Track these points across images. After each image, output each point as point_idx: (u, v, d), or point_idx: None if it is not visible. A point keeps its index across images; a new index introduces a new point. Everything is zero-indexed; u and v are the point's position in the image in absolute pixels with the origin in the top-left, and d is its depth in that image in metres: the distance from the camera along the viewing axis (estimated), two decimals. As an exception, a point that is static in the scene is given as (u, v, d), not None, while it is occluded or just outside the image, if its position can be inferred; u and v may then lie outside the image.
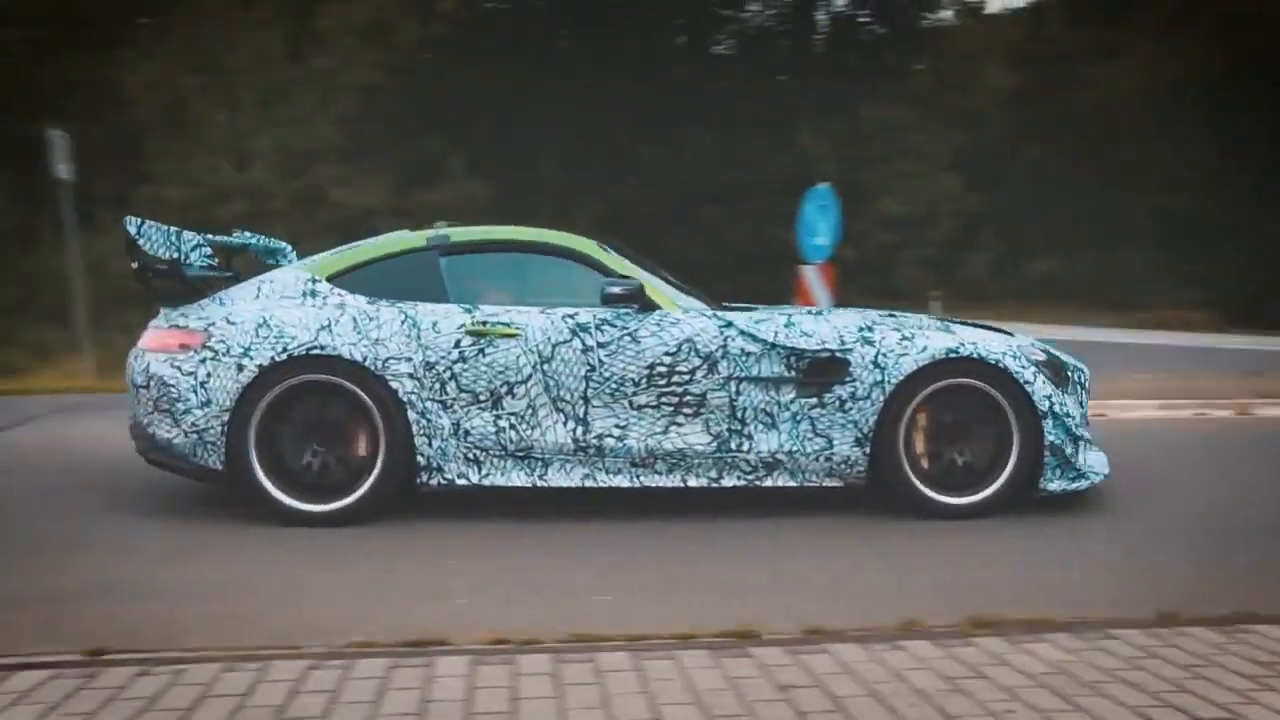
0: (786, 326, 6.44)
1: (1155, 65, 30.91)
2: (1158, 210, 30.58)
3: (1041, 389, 6.37)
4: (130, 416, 6.47)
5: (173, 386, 6.35)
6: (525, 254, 6.75)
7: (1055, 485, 6.46)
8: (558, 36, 22.03)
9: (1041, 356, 6.44)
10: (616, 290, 6.36)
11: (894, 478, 6.34)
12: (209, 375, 6.33)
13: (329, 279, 6.52)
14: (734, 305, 6.97)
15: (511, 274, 6.77)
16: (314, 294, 6.54)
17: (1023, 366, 6.39)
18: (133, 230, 6.54)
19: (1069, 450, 6.43)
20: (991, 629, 4.14)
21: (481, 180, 21.49)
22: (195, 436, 6.29)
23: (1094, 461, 6.51)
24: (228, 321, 6.37)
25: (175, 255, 6.65)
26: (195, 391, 6.33)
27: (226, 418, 6.25)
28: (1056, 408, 6.39)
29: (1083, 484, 6.44)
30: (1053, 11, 35.15)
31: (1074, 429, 6.47)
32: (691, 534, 5.65)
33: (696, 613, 4.33)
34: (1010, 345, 6.45)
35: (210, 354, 6.35)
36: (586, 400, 6.37)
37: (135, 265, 6.50)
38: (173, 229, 6.78)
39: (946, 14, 31.68)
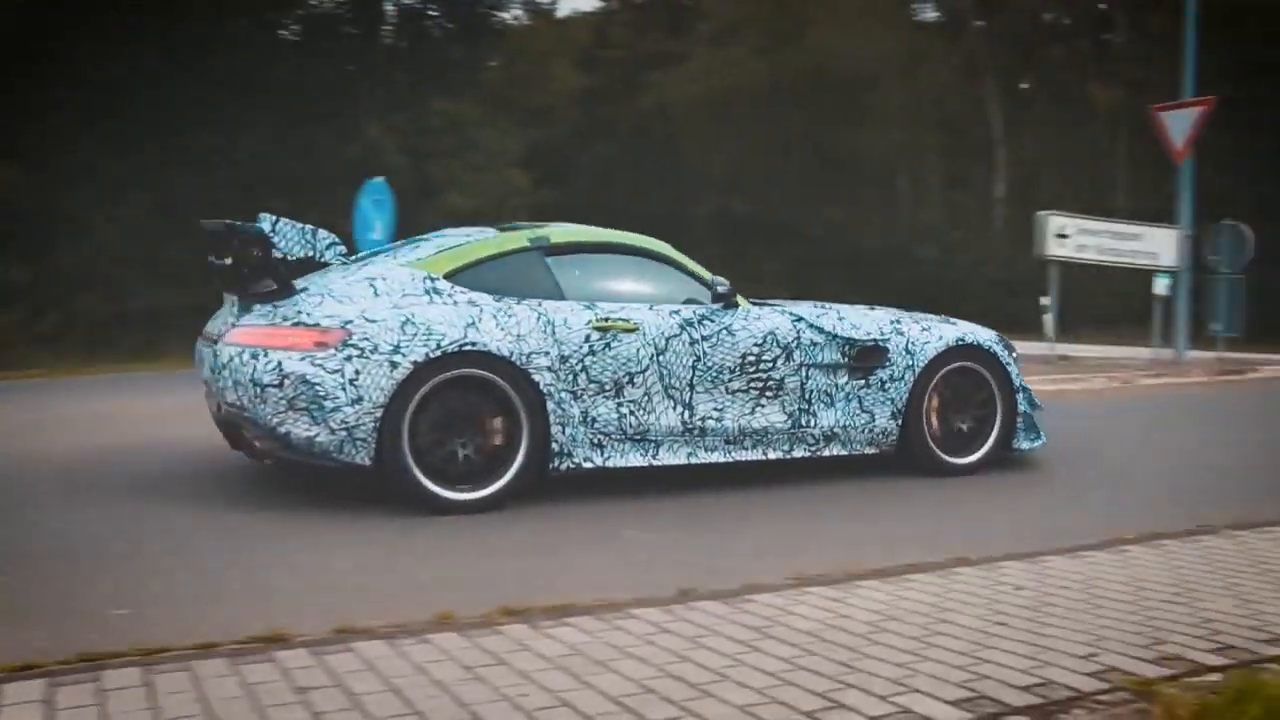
0: (840, 320, 7.68)
1: (710, 75, 32.18)
2: (718, 209, 32.12)
3: (1014, 368, 8.01)
4: (225, 412, 6.57)
5: (317, 385, 6.45)
6: (617, 255, 7.46)
7: (1025, 445, 8.14)
8: (107, 8, 20.73)
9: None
10: (723, 290, 7.33)
11: (918, 444, 7.76)
12: (357, 373, 6.48)
13: (444, 277, 6.85)
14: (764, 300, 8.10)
15: (607, 273, 7.42)
16: (438, 292, 6.85)
17: (1003, 350, 8.03)
18: (267, 227, 6.96)
19: (1033, 416, 8.17)
20: (520, 616, 4.26)
21: (7, 163, 20.13)
22: (344, 433, 6.43)
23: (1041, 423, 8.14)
24: (366, 319, 6.55)
25: (310, 253, 7.17)
26: (344, 389, 6.45)
27: (380, 414, 6.44)
28: (1023, 382, 8.11)
29: (1039, 442, 8.15)
30: (619, 17, 35.89)
31: (1032, 399, 8.21)
32: (218, 541, 5.69)
33: (230, 621, 4.28)
34: (991, 334, 8.08)
35: (356, 351, 6.49)
36: (692, 387, 7.22)
37: (223, 260, 6.71)
38: (308, 227, 7.25)
39: (517, 13, 32.47)
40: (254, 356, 6.47)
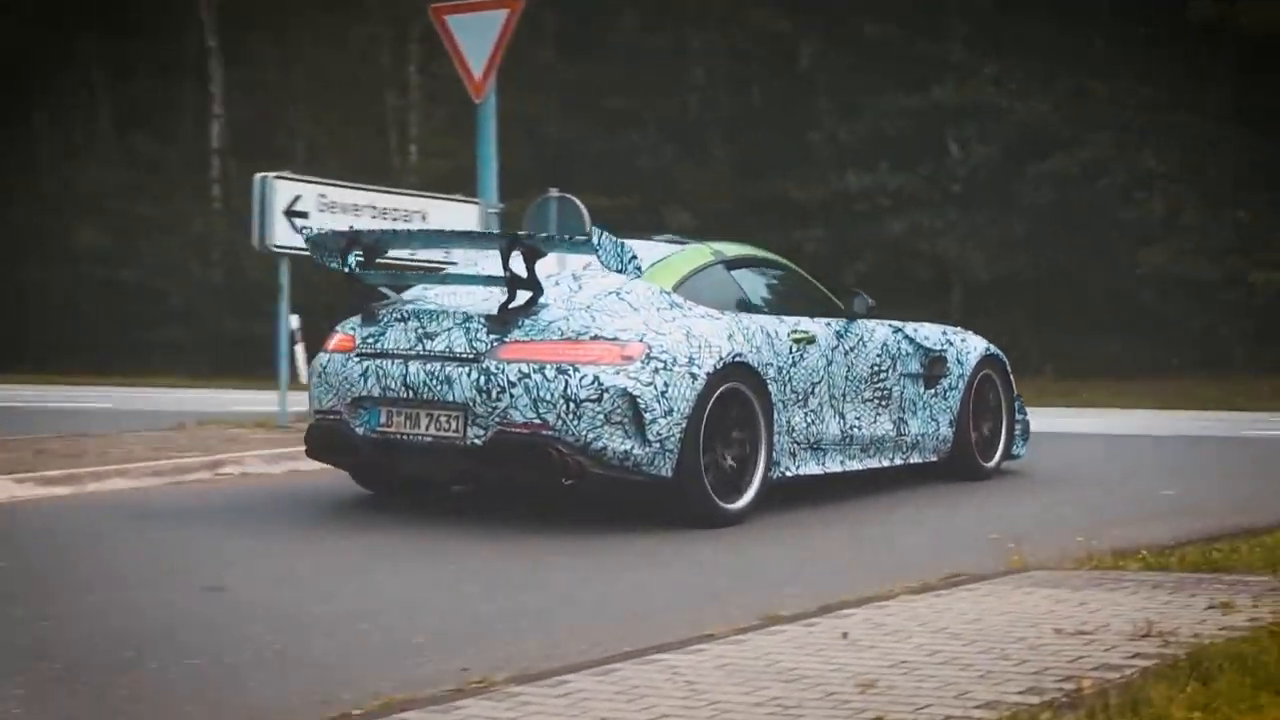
0: (915, 330, 8.44)
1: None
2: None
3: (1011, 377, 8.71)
4: (498, 435, 6.88)
5: (638, 398, 6.81)
6: (764, 268, 8.28)
7: (1020, 451, 9.17)
8: None
9: None
10: (871, 304, 8.13)
11: (965, 450, 8.64)
12: (667, 385, 6.91)
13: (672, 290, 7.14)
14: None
15: (765, 286, 8.22)
16: (677, 305, 7.33)
17: (1005, 360, 8.74)
18: (597, 239, 7.37)
19: (1026, 423, 9.15)
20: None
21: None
22: (658, 446, 6.83)
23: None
24: (655, 332, 6.97)
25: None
26: (658, 401, 6.85)
27: (685, 425, 6.88)
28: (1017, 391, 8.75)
29: (1024, 450, 9.25)
30: None
31: (1022, 405, 9.09)
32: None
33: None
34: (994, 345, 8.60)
35: (660, 364, 6.92)
36: (845, 397, 7.84)
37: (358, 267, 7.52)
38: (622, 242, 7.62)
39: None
40: (561, 372, 6.78)
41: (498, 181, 11.46)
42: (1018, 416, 9.06)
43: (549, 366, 6.77)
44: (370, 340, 7.31)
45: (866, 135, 26.49)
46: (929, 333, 8.62)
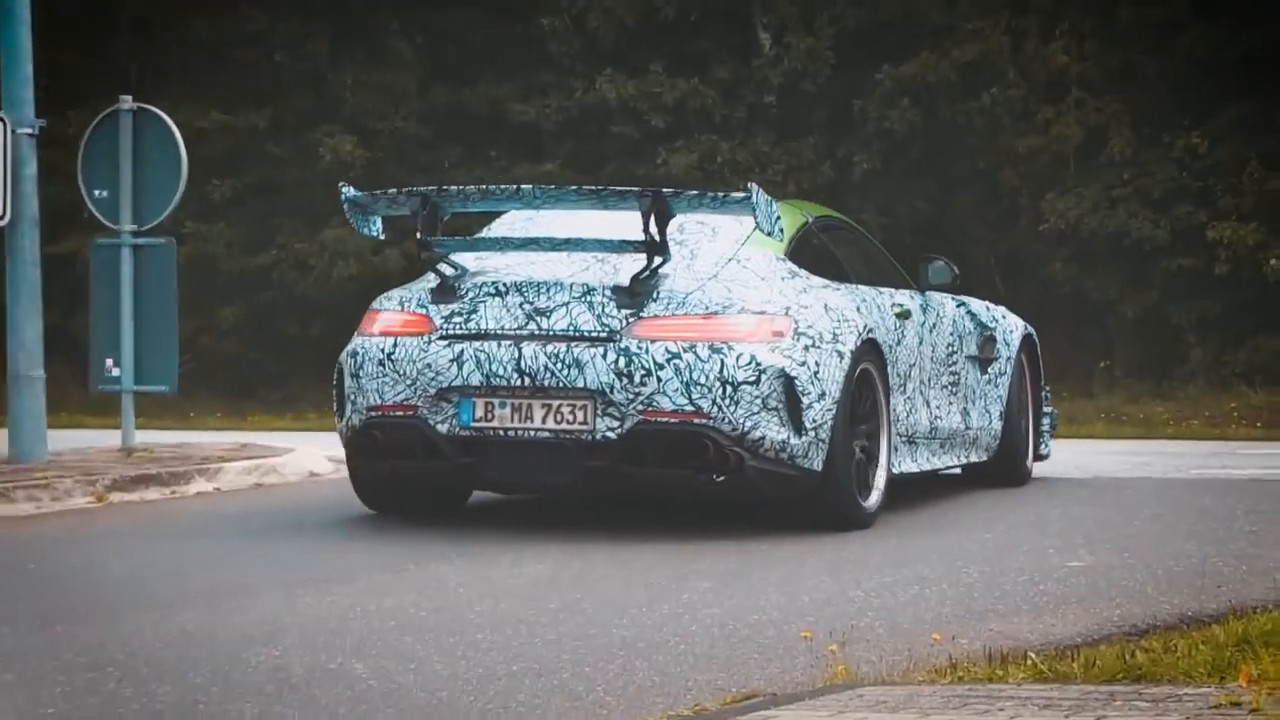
0: (972, 305, 8.86)
1: None
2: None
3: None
4: (642, 424, 6.90)
5: (795, 378, 6.85)
6: (842, 231, 8.55)
7: (1048, 450, 9.58)
8: None
9: None
10: (952, 272, 8.61)
11: (1014, 448, 8.76)
12: (818, 364, 6.97)
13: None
14: None
15: (850, 253, 8.33)
16: (795, 274, 7.45)
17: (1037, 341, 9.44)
18: (755, 197, 7.23)
19: (1055, 416, 9.88)
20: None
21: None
22: (812, 434, 6.90)
23: None
24: (799, 305, 7.11)
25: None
26: (812, 383, 6.90)
27: (835, 410, 6.99)
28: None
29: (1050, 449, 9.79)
30: None
31: (1048, 396, 9.88)
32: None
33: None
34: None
35: (809, 341, 6.98)
36: (930, 382, 8.05)
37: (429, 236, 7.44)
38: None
39: None
40: (716, 351, 6.83)
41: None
42: (1044, 409, 9.21)
43: (701, 345, 6.84)
44: (458, 319, 7.14)
45: (630, 21, 21.61)
46: (977, 307, 8.80)
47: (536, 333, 6.96)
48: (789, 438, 6.83)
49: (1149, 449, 14.01)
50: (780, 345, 6.90)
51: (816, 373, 6.91)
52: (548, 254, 7.28)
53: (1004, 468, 8.76)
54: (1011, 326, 9.04)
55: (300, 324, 21.71)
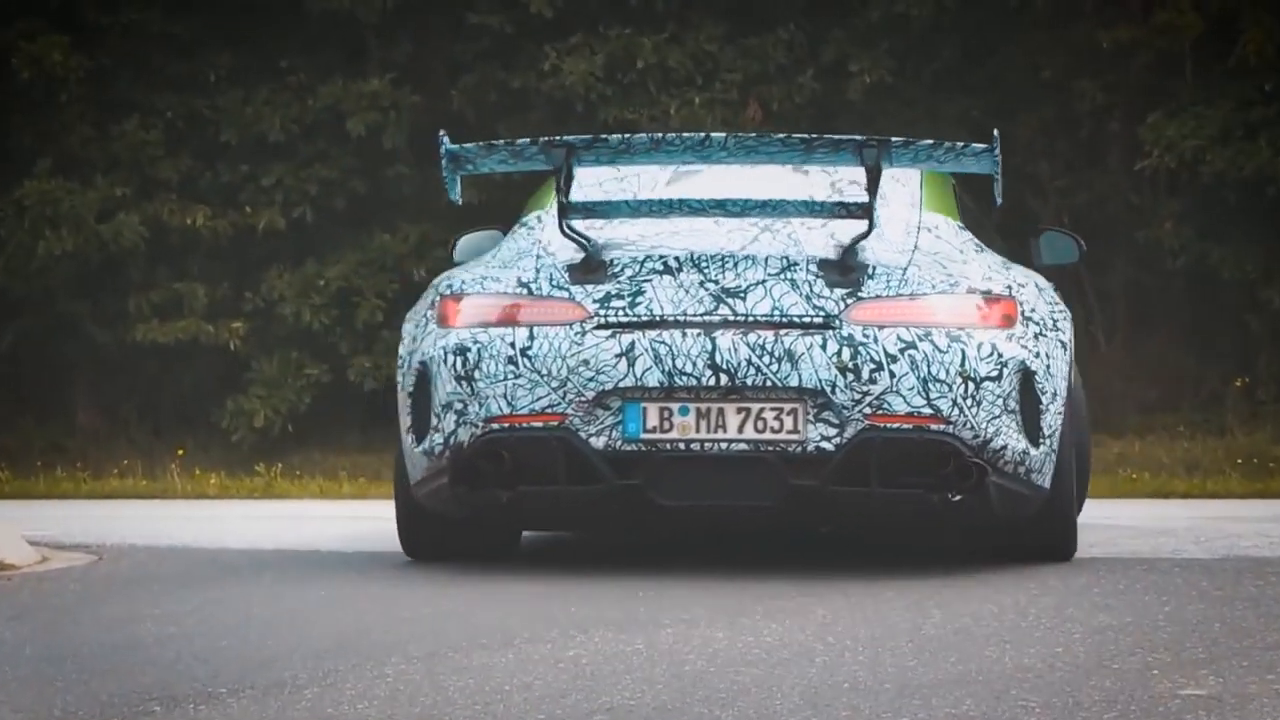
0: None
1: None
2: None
3: None
4: (865, 434, 7.24)
5: (1035, 374, 7.36)
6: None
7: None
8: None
9: None
10: (1079, 248, 9.14)
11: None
12: (1049, 358, 7.49)
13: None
14: None
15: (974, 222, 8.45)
16: (982, 248, 7.93)
17: None
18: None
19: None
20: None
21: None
22: (1047, 445, 7.45)
23: None
24: (1017, 283, 7.75)
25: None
26: (1047, 380, 7.45)
27: (1063, 415, 7.62)
28: None
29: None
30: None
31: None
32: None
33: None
34: None
35: (1037, 328, 7.53)
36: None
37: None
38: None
39: None
40: (955, 340, 7.27)
41: None
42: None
43: (937, 332, 7.22)
44: (618, 303, 7.47)
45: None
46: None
47: (731, 319, 7.26)
48: (1027, 448, 7.32)
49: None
50: (1013, 333, 7.35)
51: (1049, 367, 7.44)
52: (689, 221, 7.82)
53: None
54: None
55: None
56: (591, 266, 7.43)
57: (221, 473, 17.84)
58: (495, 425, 7.34)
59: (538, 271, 7.60)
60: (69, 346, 20.55)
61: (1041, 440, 7.20)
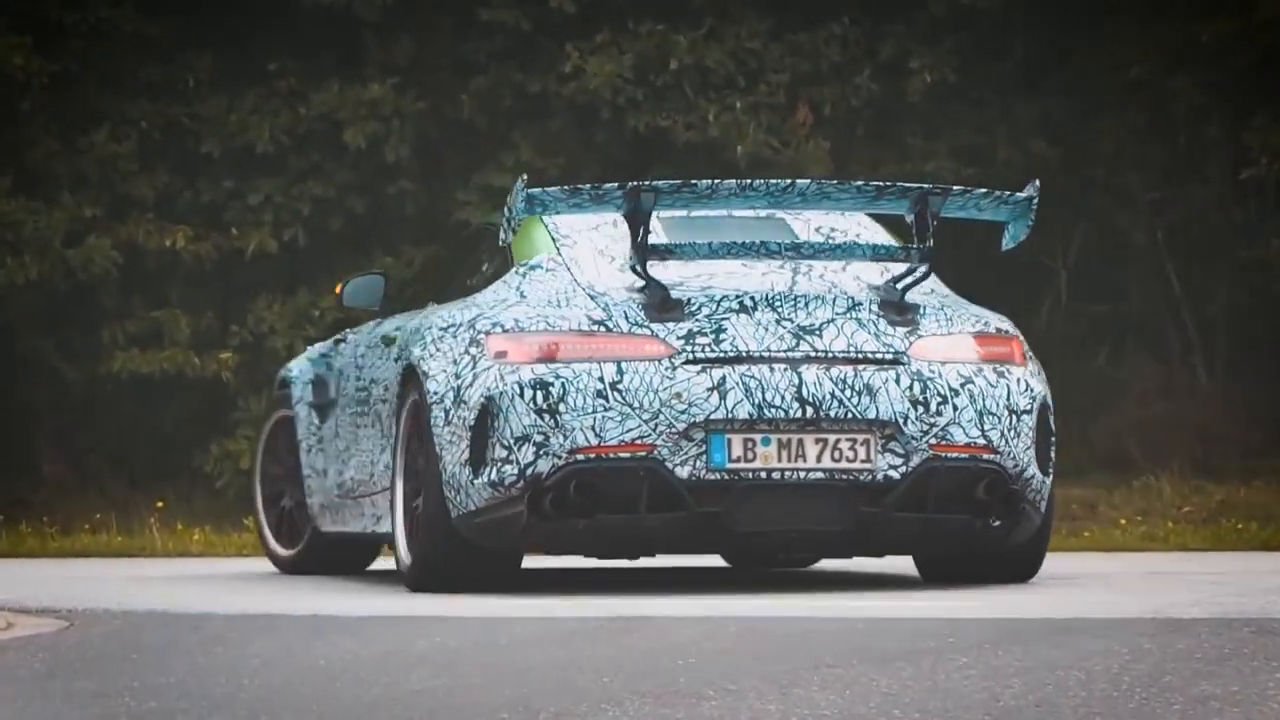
0: None
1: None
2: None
3: None
4: (930, 464, 8.36)
5: (1050, 410, 8.63)
6: None
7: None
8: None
9: None
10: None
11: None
12: (1049, 394, 8.77)
13: None
14: None
15: None
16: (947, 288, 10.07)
17: None
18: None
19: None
20: None
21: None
22: (1051, 474, 8.70)
23: None
24: (1009, 324, 9.33)
25: None
26: (1054, 415, 8.82)
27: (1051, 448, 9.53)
28: None
29: None
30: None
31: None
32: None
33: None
34: None
35: (1037, 365, 8.77)
36: None
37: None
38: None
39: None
40: (1001, 375, 8.40)
41: None
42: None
43: (988, 367, 8.36)
44: (702, 340, 8.40)
45: None
46: None
47: (812, 354, 8.18)
48: (1043, 476, 8.45)
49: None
50: (1032, 369, 8.61)
51: (1051, 403, 8.77)
52: (729, 263, 8.64)
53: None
54: None
55: None
56: (668, 305, 8.32)
57: (206, 527, 17.55)
58: (580, 456, 8.15)
59: (608, 310, 8.47)
60: (32, 388, 20.26)
61: (1049, 469, 8.48)
